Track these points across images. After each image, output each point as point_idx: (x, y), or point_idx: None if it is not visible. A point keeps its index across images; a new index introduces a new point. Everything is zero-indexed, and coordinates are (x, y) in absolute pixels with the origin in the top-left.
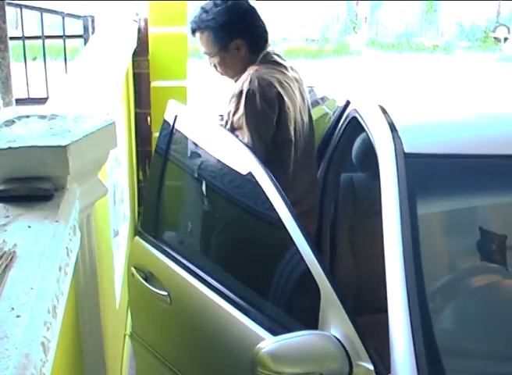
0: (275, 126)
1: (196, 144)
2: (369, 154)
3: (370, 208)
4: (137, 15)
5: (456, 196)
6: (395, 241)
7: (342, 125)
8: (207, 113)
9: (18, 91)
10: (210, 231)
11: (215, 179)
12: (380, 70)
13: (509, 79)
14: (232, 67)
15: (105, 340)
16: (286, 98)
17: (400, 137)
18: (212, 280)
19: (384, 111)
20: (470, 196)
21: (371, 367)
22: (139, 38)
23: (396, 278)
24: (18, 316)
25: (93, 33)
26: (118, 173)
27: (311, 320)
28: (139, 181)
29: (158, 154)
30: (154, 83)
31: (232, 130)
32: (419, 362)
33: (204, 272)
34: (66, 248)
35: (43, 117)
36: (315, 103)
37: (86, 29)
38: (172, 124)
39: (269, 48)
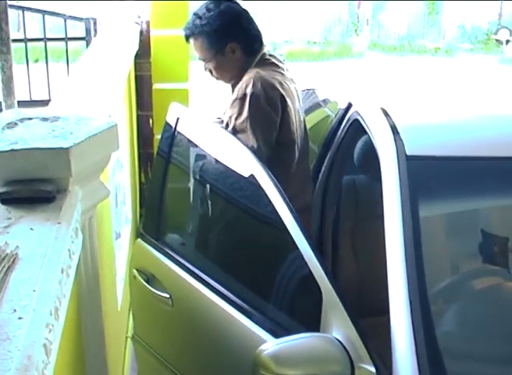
0: (279, 128)
1: (198, 147)
2: (371, 156)
3: (372, 211)
4: (139, 17)
5: (458, 198)
6: (397, 243)
7: (344, 127)
8: (209, 116)
9: (20, 93)
10: (212, 233)
11: (216, 181)
12: (382, 72)
13: (511, 81)
14: (228, 71)
15: (107, 342)
16: (287, 100)
17: (401, 140)
18: (214, 283)
19: (386, 113)
20: (472, 198)
21: (373, 370)
22: (141, 40)
23: (398, 280)
24: (20, 318)
25: (95, 35)
26: (120, 175)
27: (312, 323)
28: (141, 183)
29: (159, 156)
30: (156, 86)
31: (234, 133)
32: (421, 364)
33: (206, 274)
34: (68, 250)
35: (45, 119)
36: (317, 105)
37: (88, 31)
38: (174, 126)
39: (265, 50)
